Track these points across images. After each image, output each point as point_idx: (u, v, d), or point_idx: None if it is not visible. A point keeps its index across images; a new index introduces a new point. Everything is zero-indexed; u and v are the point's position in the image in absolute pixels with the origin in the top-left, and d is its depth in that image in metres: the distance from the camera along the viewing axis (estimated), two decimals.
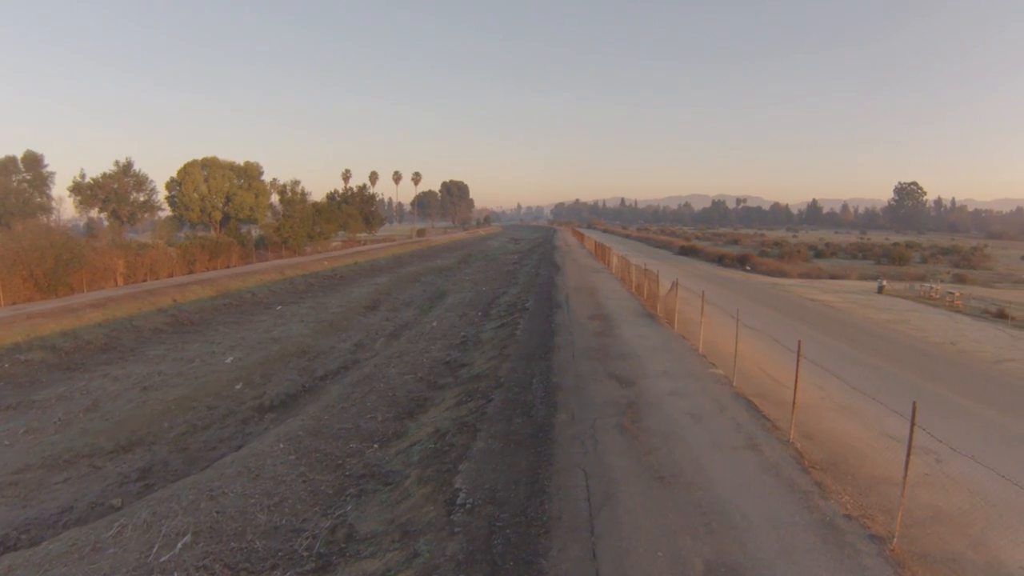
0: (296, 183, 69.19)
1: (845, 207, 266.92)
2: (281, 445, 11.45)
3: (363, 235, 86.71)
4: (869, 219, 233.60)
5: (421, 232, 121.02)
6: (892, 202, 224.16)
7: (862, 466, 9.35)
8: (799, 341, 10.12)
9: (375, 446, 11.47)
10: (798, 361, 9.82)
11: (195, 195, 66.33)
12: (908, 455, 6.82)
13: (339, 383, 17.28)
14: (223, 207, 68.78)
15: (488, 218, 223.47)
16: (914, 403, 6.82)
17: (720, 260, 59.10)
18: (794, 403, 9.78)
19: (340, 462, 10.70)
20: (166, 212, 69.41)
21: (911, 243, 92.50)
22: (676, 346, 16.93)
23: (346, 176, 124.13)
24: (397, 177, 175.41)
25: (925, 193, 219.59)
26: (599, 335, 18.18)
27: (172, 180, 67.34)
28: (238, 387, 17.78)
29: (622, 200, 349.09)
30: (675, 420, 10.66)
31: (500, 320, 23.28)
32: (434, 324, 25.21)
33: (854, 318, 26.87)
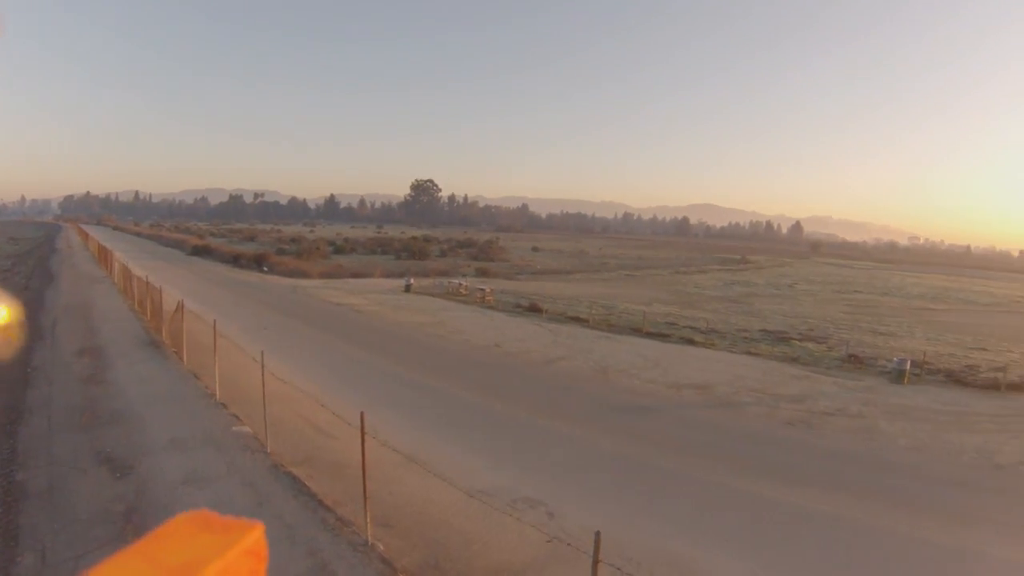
0: None
1: (363, 202, 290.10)
2: None
3: None
4: (386, 213, 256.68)
5: None
6: (408, 197, 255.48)
7: (470, 555, 7.36)
8: (362, 413, 7.89)
9: None
10: (363, 444, 7.66)
11: None
12: None
13: None
14: None
15: None
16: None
17: (236, 260, 55.03)
18: (365, 498, 7.58)
19: None
20: None
21: (429, 236, 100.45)
22: (187, 391, 13.07)
23: None
24: None
25: (440, 190, 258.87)
26: (88, 382, 13.48)
27: None
28: None
29: (136, 193, 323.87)
30: None
31: None
32: None
33: (387, 324, 25.06)
